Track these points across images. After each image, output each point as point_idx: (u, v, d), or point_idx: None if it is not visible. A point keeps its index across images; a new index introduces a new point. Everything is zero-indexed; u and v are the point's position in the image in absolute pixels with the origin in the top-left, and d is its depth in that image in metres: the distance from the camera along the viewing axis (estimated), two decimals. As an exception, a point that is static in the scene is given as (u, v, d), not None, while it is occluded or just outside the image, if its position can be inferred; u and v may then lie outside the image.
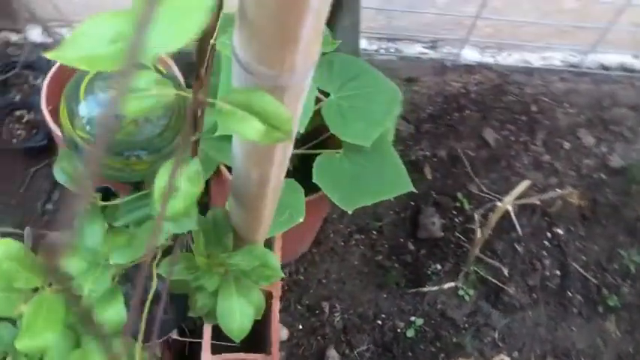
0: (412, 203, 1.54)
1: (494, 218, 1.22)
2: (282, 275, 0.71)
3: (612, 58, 1.63)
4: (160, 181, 0.47)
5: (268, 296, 1.07)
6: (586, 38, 1.55)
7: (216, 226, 0.75)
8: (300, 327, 1.35)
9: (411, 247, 1.48)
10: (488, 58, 1.55)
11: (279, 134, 0.42)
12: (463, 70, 1.59)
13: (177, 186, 0.48)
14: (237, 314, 0.71)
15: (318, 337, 1.35)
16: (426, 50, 1.52)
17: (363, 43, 1.51)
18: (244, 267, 0.67)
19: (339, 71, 1.01)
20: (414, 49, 1.52)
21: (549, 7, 1.45)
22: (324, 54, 0.99)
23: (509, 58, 1.58)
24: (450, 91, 1.66)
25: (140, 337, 0.71)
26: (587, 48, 1.58)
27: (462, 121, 1.65)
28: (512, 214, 1.20)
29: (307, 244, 1.42)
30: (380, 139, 1.04)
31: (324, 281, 1.41)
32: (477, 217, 1.29)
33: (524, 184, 1.15)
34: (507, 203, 1.17)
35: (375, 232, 1.49)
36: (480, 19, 1.45)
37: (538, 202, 1.49)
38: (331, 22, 1.09)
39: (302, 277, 1.40)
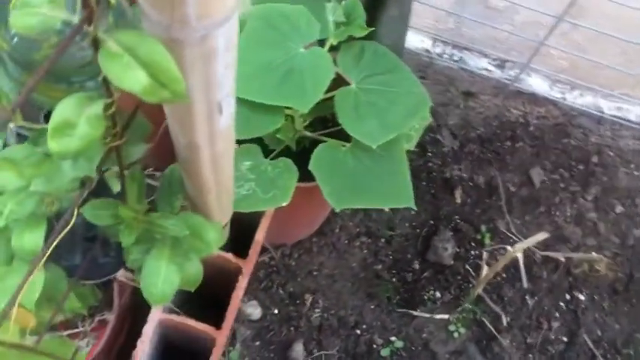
0: (432, 222, 1.45)
1: (502, 261, 1.12)
2: (214, 251, 0.66)
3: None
4: (57, 115, 0.43)
5: (237, 271, 1.03)
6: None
7: (170, 185, 0.71)
8: (276, 311, 1.30)
9: (416, 266, 1.40)
10: (556, 93, 1.42)
11: (167, 93, 0.37)
12: (527, 99, 1.46)
13: (75, 124, 0.44)
14: (160, 279, 0.67)
15: (291, 328, 1.30)
16: (492, 68, 1.41)
17: (427, 44, 1.41)
18: (173, 232, 0.62)
19: (368, 61, 0.94)
20: (480, 63, 1.41)
21: (638, 56, 1.30)
22: (355, 39, 0.92)
23: (579, 99, 1.44)
24: (508, 117, 1.53)
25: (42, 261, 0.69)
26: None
27: (512, 152, 1.53)
28: (521, 263, 1.10)
29: (305, 232, 1.36)
30: (393, 144, 0.96)
31: (314, 273, 1.36)
32: (485, 254, 1.19)
33: (541, 235, 1.05)
34: (518, 250, 1.06)
35: (383, 240, 1.42)
36: (555, 50, 1.32)
37: (562, 259, 1.37)
38: (378, 9, 1.01)
39: (293, 263, 1.35)
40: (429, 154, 1.51)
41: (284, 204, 0.93)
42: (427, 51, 1.41)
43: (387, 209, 1.45)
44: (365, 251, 1.40)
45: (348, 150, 0.95)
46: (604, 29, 1.23)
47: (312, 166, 0.93)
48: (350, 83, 0.93)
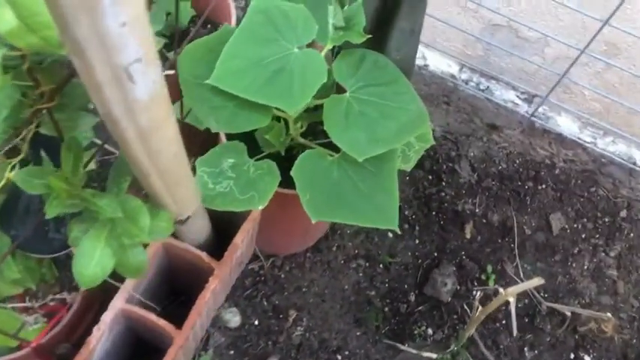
0: (435, 254, 1.37)
1: (493, 304, 1.04)
2: (148, 240, 0.62)
3: None
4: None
5: (209, 270, 0.99)
6: None
7: (120, 166, 0.68)
8: (256, 322, 1.25)
9: (412, 298, 1.32)
10: (586, 137, 1.33)
11: (35, 39, 0.34)
12: (554, 139, 1.38)
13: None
14: (94, 261, 0.64)
15: (269, 342, 1.24)
16: (520, 102, 1.34)
17: (454, 69, 1.36)
18: (104, 212, 0.59)
19: (366, 71, 0.90)
20: (507, 95, 1.34)
21: (679, 105, 1.20)
22: (355, 46, 0.88)
23: (611, 146, 1.34)
24: (533, 156, 1.45)
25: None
26: None
27: (532, 193, 1.44)
28: (512, 308, 1.01)
29: (299, 245, 1.31)
30: (384, 161, 0.91)
31: (303, 289, 1.30)
32: (479, 293, 1.11)
33: (535, 280, 0.96)
34: (510, 294, 0.98)
35: (381, 266, 1.35)
36: (588, 90, 1.24)
37: (569, 314, 1.26)
38: (388, 22, 0.97)
39: (283, 276, 1.30)
40: (444, 183, 1.44)
41: (260, 207, 0.89)
42: (453, 76, 1.35)
43: (390, 234, 1.39)
44: (360, 274, 1.34)
45: (334, 160, 0.90)
46: (641, 73, 1.14)
47: (294, 172, 0.88)
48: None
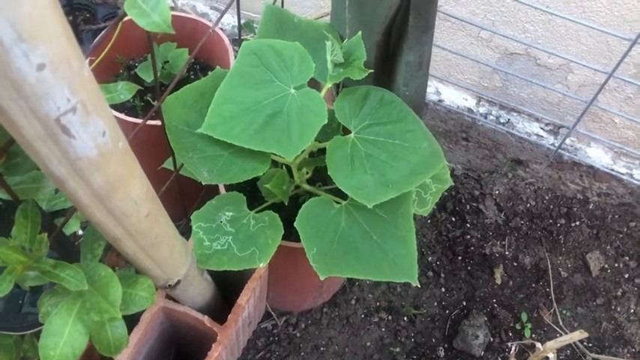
0: (464, 303, 1.26)
1: (531, 362, 0.92)
2: (118, 316, 0.54)
3: None
4: None
5: (213, 335, 0.90)
6: None
7: (94, 230, 0.61)
8: (271, 388, 1.15)
9: (441, 353, 1.20)
10: (621, 168, 1.22)
11: None
12: (585, 172, 1.27)
13: None
14: (62, 340, 0.56)
15: (286, 409, 1.14)
16: (544, 134, 1.24)
17: (471, 103, 1.27)
18: (70, 287, 0.52)
19: (371, 109, 0.82)
20: (530, 127, 1.25)
21: None
22: (359, 83, 0.81)
23: (649, 177, 1.23)
24: (564, 192, 1.34)
25: None
26: None
27: (566, 231, 1.32)
28: (554, 367, 0.89)
29: (314, 300, 1.21)
30: (398, 206, 0.82)
31: (322, 349, 1.20)
32: (513, 347, 0.99)
33: (578, 334, 0.85)
34: (549, 349, 0.87)
35: (405, 319, 1.24)
36: (619, 118, 1.14)
37: (617, 367, 1.13)
38: (395, 56, 0.90)
39: (298, 335, 1.20)
40: (469, 225, 1.33)
41: (262, 265, 0.81)
42: (470, 110, 1.27)
43: (414, 284, 1.28)
44: (383, 329, 1.23)
45: (342, 208, 0.82)
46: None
47: (297, 223, 0.80)
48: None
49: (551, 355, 0.88)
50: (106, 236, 0.52)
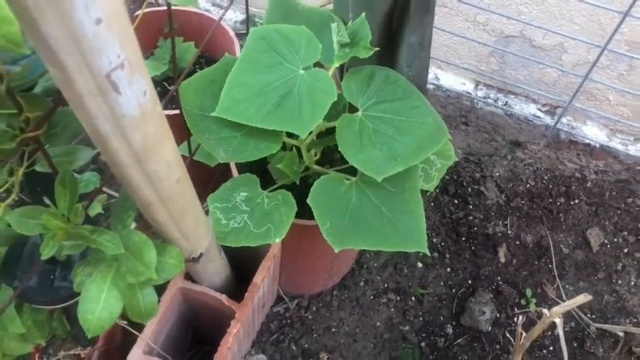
0: (469, 282, 1.29)
1: (538, 328, 0.96)
2: (155, 277, 0.57)
3: None
4: None
5: (230, 314, 0.94)
6: None
7: (124, 201, 0.64)
8: (286, 369, 1.18)
9: (449, 330, 1.24)
10: (617, 144, 1.26)
11: (-6, 36, 0.30)
12: (582, 150, 1.31)
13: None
14: (99, 306, 0.59)
15: (301, 389, 1.17)
16: (541, 114, 1.28)
17: (469, 86, 1.31)
18: (106, 248, 0.55)
19: (377, 87, 0.86)
20: (528, 109, 1.28)
21: None
22: (364, 63, 0.84)
23: (645, 152, 1.27)
24: (562, 171, 1.38)
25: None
26: None
27: (566, 209, 1.36)
28: (560, 330, 0.93)
29: (325, 283, 1.25)
30: (405, 180, 0.86)
31: (333, 330, 1.23)
32: (520, 318, 1.03)
33: (581, 298, 0.88)
34: (555, 314, 0.90)
35: (413, 299, 1.28)
36: (613, 95, 1.18)
37: (621, 334, 1.16)
38: (396, 37, 0.94)
39: (310, 317, 1.24)
40: (471, 206, 1.37)
41: (277, 240, 0.84)
42: (469, 94, 1.31)
43: (420, 264, 1.32)
44: (392, 309, 1.26)
45: (352, 184, 0.86)
46: (668, 70, 1.09)
47: (310, 200, 0.83)
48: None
49: (557, 320, 0.92)
50: (140, 202, 0.56)
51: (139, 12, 0.99)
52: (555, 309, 0.91)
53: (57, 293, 0.72)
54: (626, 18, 0.91)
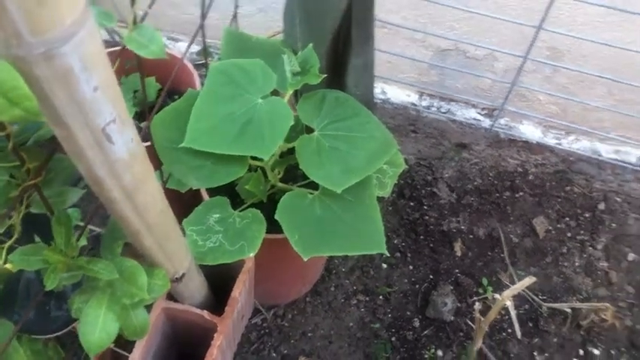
0: (431, 277, 1.40)
1: (492, 312, 1.06)
2: (147, 297, 0.65)
3: None
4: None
5: (212, 328, 1.01)
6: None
7: (112, 232, 0.72)
8: (268, 376, 1.26)
9: (416, 324, 1.34)
10: (551, 139, 1.39)
11: (18, 111, 0.38)
12: (521, 147, 1.44)
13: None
14: (98, 328, 0.66)
15: (284, 392, 1.24)
16: (481, 117, 1.40)
17: (414, 98, 1.42)
18: (102, 276, 0.62)
19: (330, 109, 0.95)
20: (468, 114, 1.40)
21: (627, 95, 1.27)
22: (316, 87, 0.94)
23: (576, 144, 1.40)
24: (506, 167, 1.50)
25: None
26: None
27: (512, 202, 1.49)
28: (512, 312, 1.04)
29: (298, 291, 1.33)
30: (362, 189, 0.95)
31: (309, 334, 1.31)
32: (478, 304, 1.13)
33: (528, 280, 0.99)
34: (506, 297, 1.01)
35: (381, 298, 1.37)
36: (543, 95, 1.31)
37: (569, 311, 1.28)
38: (343, 61, 1.03)
39: (287, 324, 1.31)
40: (426, 207, 1.48)
41: (251, 255, 0.92)
42: (414, 105, 1.42)
43: (384, 265, 1.41)
44: (362, 310, 1.35)
45: (315, 197, 0.94)
46: (587, 70, 1.22)
47: (278, 215, 0.92)
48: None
49: (508, 303, 1.02)
50: (129, 231, 0.63)
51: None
52: (505, 293, 1.02)
53: (54, 323, 0.78)
54: (546, 29, 1.03)
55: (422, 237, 1.44)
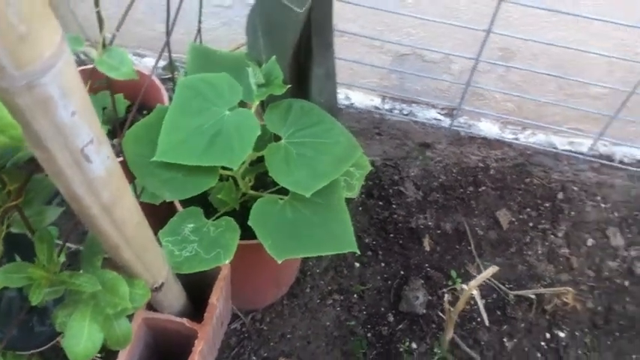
0: (402, 273, 1.45)
1: (461, 302, 1.12)
2: (130, 306, 0.68)
3: (652, 155, 1.47)
4: None
5: (193, 335, 1.04)
6: (622, 129, 1.42)
7: (91, 247, 0.74)
8: (250, 379, 1.29)
9: (390, 319, 1.39)
10: (508, 135, 1.46)
11: (4, 139, 0.41)
12: (481, 144, 1.50)
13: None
14: (83, 338, 0.69)
15: (266, 394, 1.28)
16: (442, 117, 1.46)
17: (377, 101, 1.48)
18: (85, 288, 0.65)
19: (295, 117, 0.99)
20: (429, 114, 1.46)
21: (576, 90, 1.34)
22: (282, 97, 0.98)
23: (532, 138, 1.47)
24: (468, 163, 1.57)
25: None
26: (618, 139, 1.44)
27: (476, 196, 1.55)
28: (478, 300, 1.09)
29: (274, 294, 1.37)
30: (330, 192, 0.99)
31: (288, 336, 1.35)
32: (447, 296, 1.18)
33: (491, 269, 1.05)
34: (472, 288, 1.06)
35: (356, 296, 1.42)
36: (498, 93, 1.37)
37: (533, 296, 1.35)
38: (306, 71, 1.08)
39: (265, 328, 1.35)
40: (394, 205, 1.53)
41: (227, 261, 0.95)
42: (377, 108, 1.47)
43: (357, 264, 1.46)
44: (338, 309, 1.40)
45: (286, 202, 0.98)
46: (537, 68, 1.28)
47: (251, 221, 0.95)
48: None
49: (474, 292, 1.08)
50: (107, 244, 0.66)
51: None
52: (471, 283, 1.07)
53: (37, 338, 0.80)
54: (494, 32, 1.09)
55: (392, 235, 1.49)
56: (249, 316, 1.36)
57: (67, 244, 1.08)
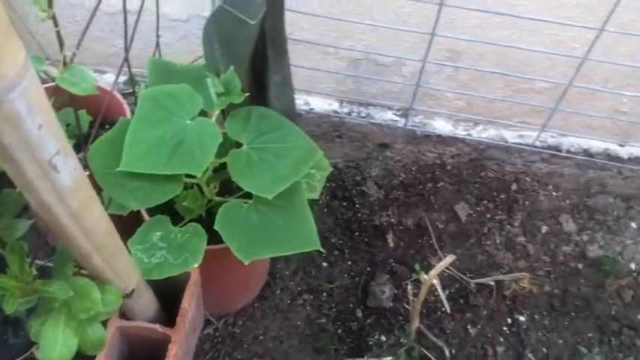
0: (368, 269, 1.50)
1: (422, 292, 1.17)
2: (102, 310, 0.71)
3: (596, 144, 1.55)
4: None
5: (166, 340, 1.06)
6: (567, 120, 1.50)
7: (62, 256, 0.77)
8: (225, 381, 1.32)
9: (359, 314, 1.43)
10: (461, 131, 1.53)
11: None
12: (436, 142, 1.57)
13: None
14: (58, 344, 0.72)
15: (242, 395, 1.31)
16: (397, 118, 1.52)
17: (335, 106, 1.53)
18: (57, 295, 0.68)
19: (255, 124, 1.03)
20: (386, 115, 1.52)
21: (521, 85, 1.42)
22: (240, 105, 1.02)
23: (484, 133, 1.55)
24: (425, 161, 1.63)
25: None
26: (564, 130, 1.52)
27: (434, 192, 1.61)
28: (439, 289, 1.15)
29: (245, 298, 1.40)
30: (292, 194, 1.04)
31: (260, 337, 1.38)
32: (409, 288, 1.24)
33: (449, 258, 1.11)
34: (432, 277, 1.12)
35: (325, 295, 1.46)
36: (449, 92, 1.44)
37: (492, 283, 1.42)
38: (263, 79, 1.12)
39: (238, 331, 1.38)
40: (357, 205, 1.58)
41: (195, 265, 0.99)
42: (336, 112, 1.53)
43: (325, 264, 1.50)
44: (308, 308, 1.44)
45: (250, 206, 1.02)
46: (484, 67, 1.36)
47: (217, 225, 0.99)
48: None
49: (435, 281, 1.13)
50: (78, 252, 0.69)
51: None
52: (431, 272, 1.13)
53: (12, 350, 0.82)
54: (437, 35, 1.15)
55: (357, 233, 1.55)
56: (222, 321, 1.39)
57: (36, 261, 1.10)
